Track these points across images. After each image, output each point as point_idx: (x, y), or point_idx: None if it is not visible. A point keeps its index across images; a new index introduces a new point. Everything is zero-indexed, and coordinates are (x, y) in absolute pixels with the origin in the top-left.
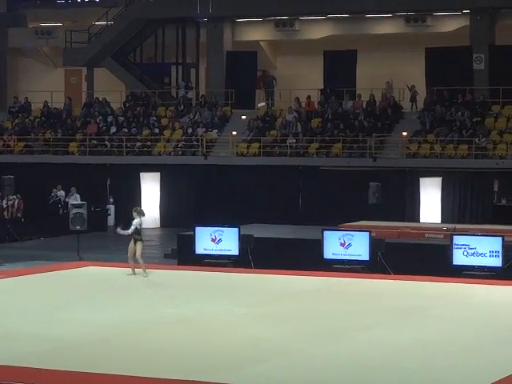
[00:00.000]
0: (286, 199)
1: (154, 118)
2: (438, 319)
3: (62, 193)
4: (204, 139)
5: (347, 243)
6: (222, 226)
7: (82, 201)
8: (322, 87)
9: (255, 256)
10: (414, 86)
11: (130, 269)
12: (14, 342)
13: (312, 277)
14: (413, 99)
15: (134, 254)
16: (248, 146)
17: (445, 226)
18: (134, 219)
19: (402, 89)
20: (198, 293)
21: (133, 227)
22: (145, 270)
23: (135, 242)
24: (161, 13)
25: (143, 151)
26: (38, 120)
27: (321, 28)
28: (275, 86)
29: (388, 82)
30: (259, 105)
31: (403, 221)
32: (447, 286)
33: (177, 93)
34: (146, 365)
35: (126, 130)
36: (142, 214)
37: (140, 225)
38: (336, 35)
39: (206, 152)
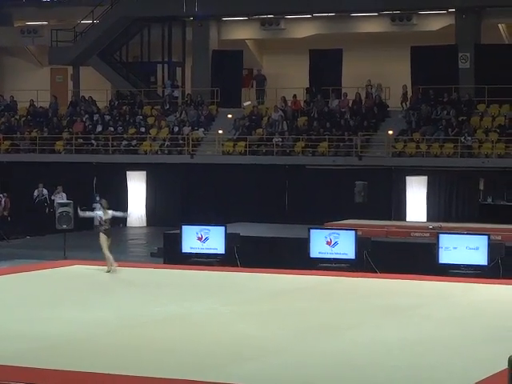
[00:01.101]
0: (273, 198)
1: (140, 117)
2: (424, 318)
3: (45, 191)
4: (190, 138)
5: (333, 242)
6: (209, 224)
7: (68, 199)
8: (308, 86)
9: (241, 255)
10: (405, 85)
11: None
12: (1, 341)
13: (298, 275)
14: (404, 99)
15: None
16: (234, 145)
17: (431, 225)
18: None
19: (388, 87)
20: (185, 291)
21: (91, 214)
22: (109, 265)
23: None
24: (147, 11)
25: (129, 150)
26: (24, 119)
27: (306, 27)
28: (265, 85)
29: (369, 80)
30: (245, 103)
31: (389, 219)
32: (433, 285)
33: (163, 91)
34: (133, 363)
35: (112, 128)
36: (104, 207)
37: (101, 217)
38: (322, 34)
39: (192, 151)
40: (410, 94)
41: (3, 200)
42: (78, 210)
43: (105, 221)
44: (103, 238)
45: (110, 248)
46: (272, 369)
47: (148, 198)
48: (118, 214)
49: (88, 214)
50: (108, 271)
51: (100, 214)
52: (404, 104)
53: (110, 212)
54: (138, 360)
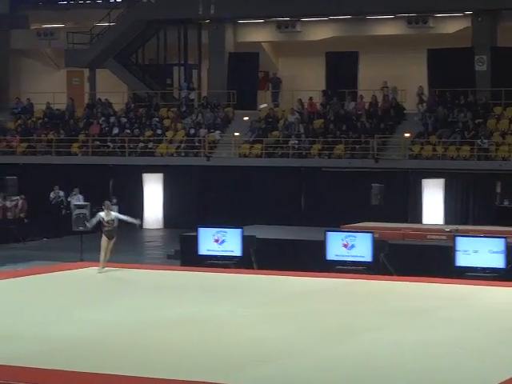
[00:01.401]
0: (289, 200)
1: (157, 119)
2: (441, 320)
3: (61, 193)
4: (206, 140)
5: (350, 244)
6: (225, 226)
7: (84, 201)
8: (324, 88)
9: (258, 257)
10: (421, 87)
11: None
12: (15, 343)
13: (315, 278)
14: (420, 101)
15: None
16: (250, 147)
17: (447, 228)
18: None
19: (404, 90)
20: (202, 294)
21: (94, 219)
22: (101, 266)
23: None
24: (163, 14)
25: (146, 152)
26: (41, 121)
27: (323, 29)
28: (281, 88)
29: (385, 82)
30: (261, 106)
31: (406, 222)
32: (450, 288)
33: (179, 94)
34: (150, 365)
35: (128, 130)
36: (107, 208)
37: (103, 218)
38: (338, 36)
39: (209, 153)
40: (426, 96)
41: (20, 202)
42: (86, 224)
43: (107, 222)
44: (103, 240)
45: (113, 250)
46: (290, 371)
47: (164, 200)
48: (125, 217)
49: (94, 221)
50: (99, 272)
51: (102, 215)
52: (420, 106)
53: (113, 214)
54: (154, 362)
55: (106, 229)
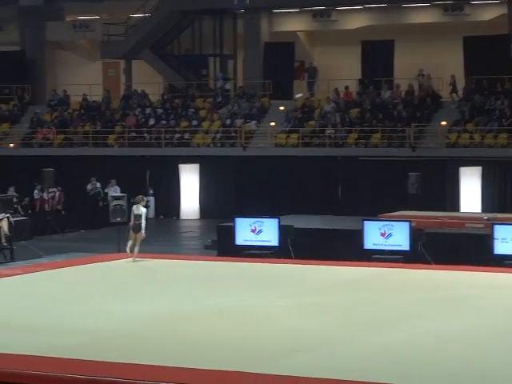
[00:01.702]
0: (325, 190)
1: (193, 110)
2: (480, 309)
3: (98, 185)
4: (242, 130)
5: (387, 233)
6: (262, 216)
7: (121, 193)
8: (360, 77)
9: (295, 247)
10: (453, 75)
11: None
12: (53, 334)
13: (352, 267)
14: (454, 90)
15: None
16: (287, 137)
17: (485, 216)
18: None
19: (441, 78)
20: (239, 284)
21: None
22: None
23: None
24: (198, 4)
25: (182, 143)
26: (77, 113)
27: (358, 18)
28: (317, 77)
29: (421, 69)
30: (297, 95)
31: (443, 211)
32: (488, 276)
33: (215, 84)
34: (186, 356)
35: (164, 121)
36: (137, 202)
37: (132, 211)
38: (373, 25)
39: (245, 143)
40: (461, 84)
41: (57, 194)
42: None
43: (135, 216)
44: (132, 234)
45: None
46: (326, 360)
47: (201, 191)
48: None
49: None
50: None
51: (133, 208)
52: (454, 94)
53: (142, 209)
54: (192, 353)
55: (132, 223)
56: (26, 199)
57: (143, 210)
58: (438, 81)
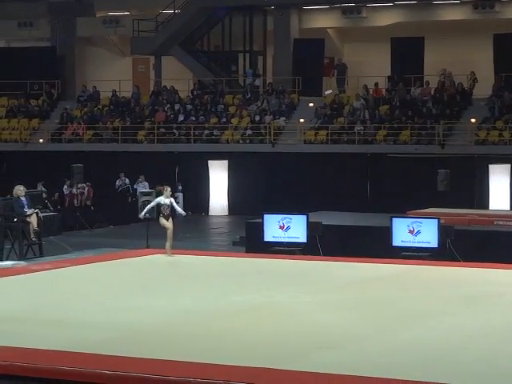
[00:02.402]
0: (354, 186)
1: (222, 106)
2: (508, 306)
3: (127, 180)
4: (271, 127)
5: (416, 230)
6: (291, 213)
7: (150, 189)
8: (390, 74)
9: (323, 243)
10: (473, 72)
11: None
12: (81, 330)
13: (380, 264)
14: (472, 86)
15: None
16: (316, 134)
17: None
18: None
19: (470, 75)
20: (267, 280)
21: (151, 205)
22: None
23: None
24: (228, 1)
25: (211, 139)
26: (107, 108)
27: (388, 15)
28: (347, 74)
29: (443, 69)
30: (326, 92)
31: (472, 208)
32: None
33: (244, 81)
34: (214, 352)
35: (193, 118)
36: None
37: (160, 203)
38: (403, 22)
39: (274, 140)
40: (488, 81)
41: (86, 189)
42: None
43: (162, 206)
44: (163, 220)
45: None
46: (354, 357)
47: (230, 187)
48: (176, 206)
49: (148, 207)
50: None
51: (160, 199)
52: (471, 91)
53: (170, 199)
54: (220, 349)
55: (163, 212)
56: (56, 194)
57: (170, 200)
58: (467, 78)
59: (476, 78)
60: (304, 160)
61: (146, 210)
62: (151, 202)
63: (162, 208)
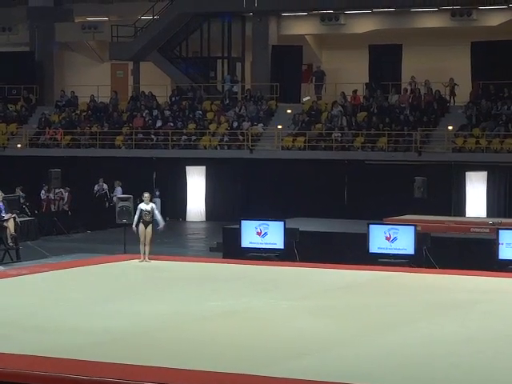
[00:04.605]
0: (332, 193)
1: (200, 112)
2: (484, 314)
3: (105, 186)
4: (249, 133)
5: (392, 237)
6: (268, 219)
7: (125, 194)
8: (368, 81)
9: (300, 250)
10: (452, 79)
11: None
12: (58, 334)
13: (357, 270)
14: (451, 93)
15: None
16: (293, 140)
17: (491, 221)
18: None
19: (447, 82)
20: (244, 286)
21: (136, 216)
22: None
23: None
24: (207, 7)
25: (189, 145)
26: (85, 114)
27: (366, 22)
28: (325, 80)
29: (413, 77)
30: (304, 99)
31: (449, 215)
32: (493, 281)
33: (222, 87)
34: (191, 357)
35: (171, 123)
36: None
37: (142, 209)
38: (381, 29)
39: (252, 146)
40: (465, 89)
41: (66, 194)
42: (133, 228)
43: (145, 212)
44: (141, 228)
45: (152, 240)
46: (330, 363)
47: (207, 193)
48: (157, 214)
49: (136, 218)
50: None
51: (141, 206)
52: (452, 98)
53: (152, 205)
54: (196, 354)
55: (143, 218)
56: (31, 199)
57: (152, 206)
58: (444, 85)
59: (455, 85)
60: (282, 166)
61: (135, 221)
62: (129, 207)
63: (142, 214)
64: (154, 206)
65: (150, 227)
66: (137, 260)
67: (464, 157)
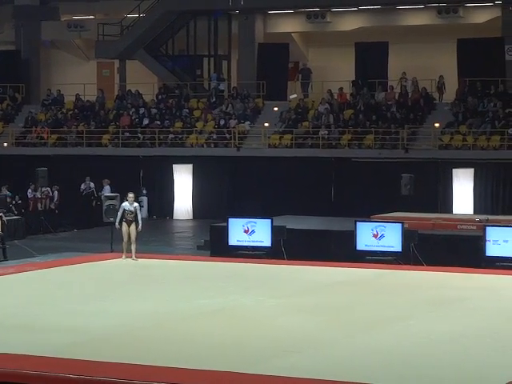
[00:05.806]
0: (319, 191)
1: (187, 110)
2: (471, 310)
3: (91, 184)
4: (236, 131)
5: (380, 234)
6: (255, 217)
7: (113, 193)
8: (354, 79)
9: (288, 247)
10: (441, 76)
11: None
12: (46, 334)
13: (345, 268)
14: (440, 90)
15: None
16: (280, 138)
17: (477, 218)
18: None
19: (434, 80)
20: (231, 284)
21: (118, 213)
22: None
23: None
24: (193, 5)
25: (176, 143)
26: (71, 112)
27: (352, 20)
28: (311, 78)
29: (403, 73)
30: (291, 96)
31: (436, 212)
32: (480, 278)
33: (209, 85)
34: (179, 355)
35: (158, 122)
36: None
37: (125, 209)
38: (367, 27)
39: (239, 144)
40: (452, 86)
41: (55, 193)
42: (116, 226)
43: (128, 212)
44: (124, 227)
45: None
46: (317, 361)
47: (194, 191)
48: (139, 216)
49: (119, 215)
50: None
51: (124, 205)
52: (441, 96)
53: (136, 204)
54: (184, 352)
55: (126, 218)
56: (17, 197)
57: (136, 206)
58: (431, 83)
59: (444, 82)
60: (269, 164)
61: (117, 220)
62: (115, 205)
63: (125, 213)
64: (137, 206)
65: (133, 225)
66: (123, 259)
67: (451, 154)
